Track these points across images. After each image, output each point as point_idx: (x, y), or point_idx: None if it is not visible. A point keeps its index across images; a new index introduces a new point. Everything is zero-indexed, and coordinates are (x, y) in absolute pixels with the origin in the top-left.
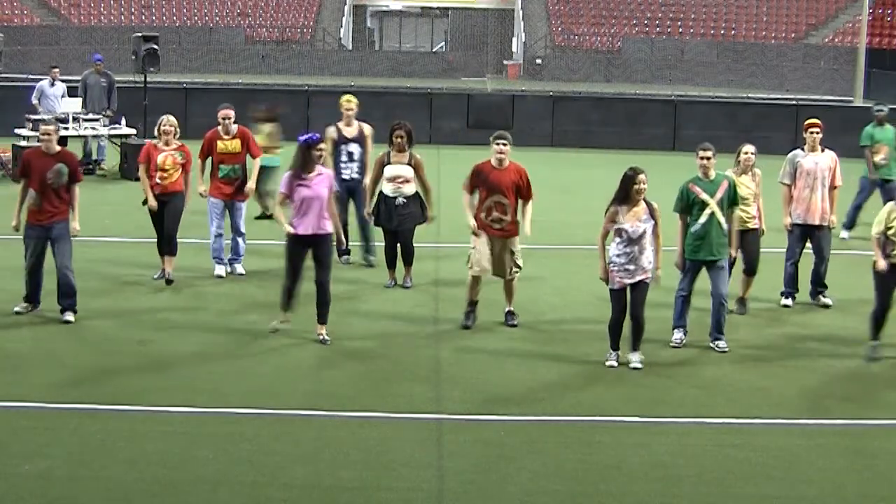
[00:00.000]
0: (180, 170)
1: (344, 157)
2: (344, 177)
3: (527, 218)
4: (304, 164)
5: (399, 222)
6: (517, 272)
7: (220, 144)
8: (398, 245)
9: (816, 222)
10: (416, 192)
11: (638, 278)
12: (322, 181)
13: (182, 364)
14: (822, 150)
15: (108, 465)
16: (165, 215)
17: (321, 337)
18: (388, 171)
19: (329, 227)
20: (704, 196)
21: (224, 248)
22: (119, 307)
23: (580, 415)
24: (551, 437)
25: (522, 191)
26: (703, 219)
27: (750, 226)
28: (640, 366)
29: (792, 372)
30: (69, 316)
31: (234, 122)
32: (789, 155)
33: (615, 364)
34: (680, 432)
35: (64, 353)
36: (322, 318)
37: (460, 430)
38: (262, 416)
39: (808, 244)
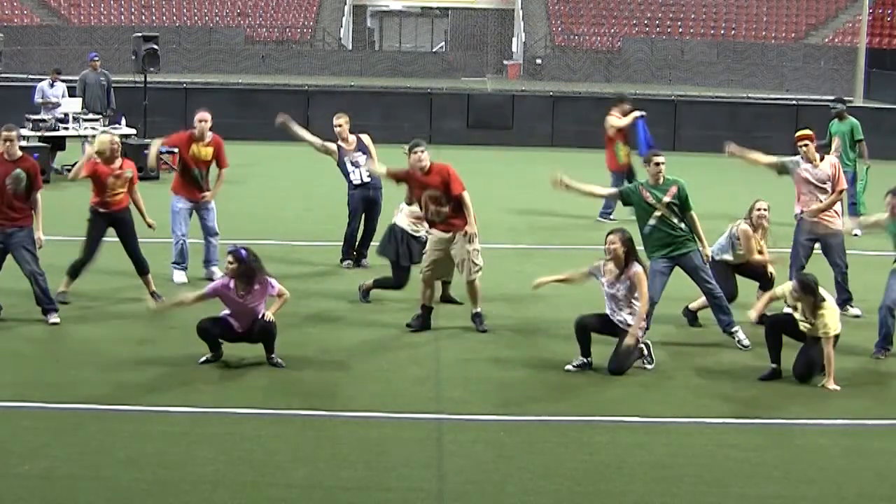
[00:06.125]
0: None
1: (350, 168)
2: (356, 183)
3: (468, 214)
4: None
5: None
6: (477, 271)
7: (193, 148)
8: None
9: (821, 231)
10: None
11: (619, 325)
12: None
13: (182, 364)
14: (821, 159)
15: (108, 465)
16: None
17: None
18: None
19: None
20: (652, 200)
21: (188, 251)
22: (119, 307)
23: (580, 415)
24: (551, 437)
25: (450, 186)
26: (652, 221)
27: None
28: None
29: (792, 372)
30: (54, 318)
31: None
32: (791, 158)
33: (571, 368)
34: (680, 432)
35: (63, 352)
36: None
37: (460, 430)
38: (262, 416)
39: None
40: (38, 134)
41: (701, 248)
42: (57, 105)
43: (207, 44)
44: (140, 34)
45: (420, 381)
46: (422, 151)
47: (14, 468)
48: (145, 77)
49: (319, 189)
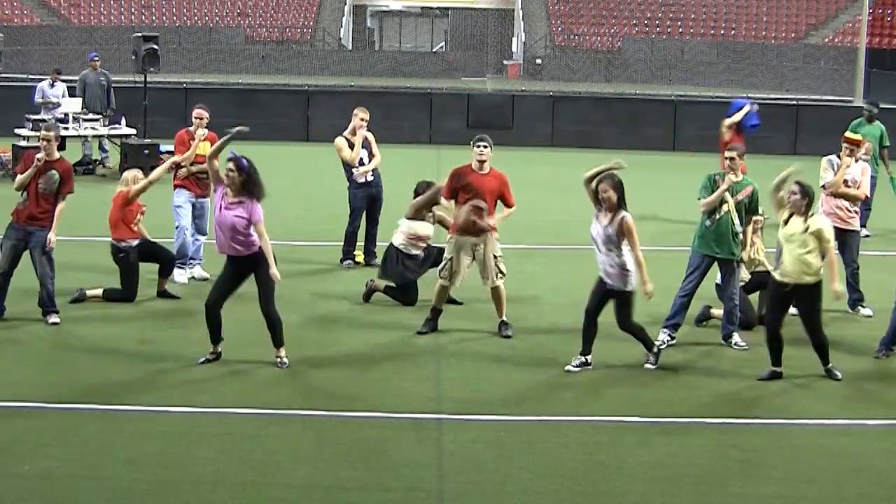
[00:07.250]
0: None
1: (357, 165)
2: (360, 181)
3: (501, 214)
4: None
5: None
6: (502, 278)
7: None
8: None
9: (840, 226)
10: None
11: (608, 284)
12: None
13: (182, 364)
14: (856, 161)
15: (108, 465)
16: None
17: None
18: (412, 226)
19: None
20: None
21: (190, 247)
22: (118, 307)
23: (580, 415)
24: (551, 437)
25: (505, 199)
26: (717, 215)
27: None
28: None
29: (792, 372)
30: (54, 318)
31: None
32: (825, 160)
33: (572, 369)
34: (680, 432)
35: (63, 352)
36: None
37: (460, 430)
38: (262, 416)
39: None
40: (38, 134)
41: (745, 247)
42: (57, 105)
43: (207, 44)
44: (140, 34)
45: (420, 381)
46: (485, 147)
47: (14, 468)
48: (145, 77)
49: (319, 189)
